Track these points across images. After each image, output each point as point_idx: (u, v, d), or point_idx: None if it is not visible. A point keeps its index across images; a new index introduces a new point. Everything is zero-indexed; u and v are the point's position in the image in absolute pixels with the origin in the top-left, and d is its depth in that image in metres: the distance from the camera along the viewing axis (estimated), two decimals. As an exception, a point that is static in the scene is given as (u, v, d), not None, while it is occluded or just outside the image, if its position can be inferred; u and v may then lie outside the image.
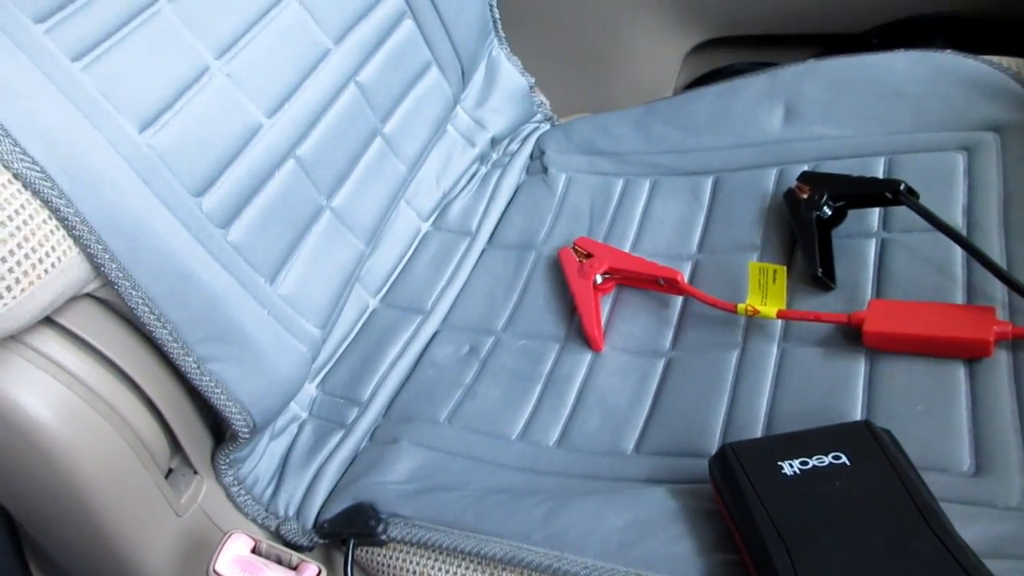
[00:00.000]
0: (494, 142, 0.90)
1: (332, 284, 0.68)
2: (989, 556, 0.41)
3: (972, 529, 0.43)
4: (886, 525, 0.42)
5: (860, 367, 0.57)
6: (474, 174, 0.88)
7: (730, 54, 1.08)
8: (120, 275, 0.49)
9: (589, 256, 0.73)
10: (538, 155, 0.89)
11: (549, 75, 0.99)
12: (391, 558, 0.57)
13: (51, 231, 0.47)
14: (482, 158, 0.89)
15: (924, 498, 0.44)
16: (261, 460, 0.64)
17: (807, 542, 0.42)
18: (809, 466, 0.47)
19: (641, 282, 0.71)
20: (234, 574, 0.49)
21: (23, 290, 0.45)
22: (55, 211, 0.47)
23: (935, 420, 0.52)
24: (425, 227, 0.84)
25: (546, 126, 0.95)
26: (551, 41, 1.07)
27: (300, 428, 0.68)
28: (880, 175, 0.70)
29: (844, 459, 0.47)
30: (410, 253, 0.81)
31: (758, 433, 0.56)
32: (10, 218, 0.45)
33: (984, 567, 0.40)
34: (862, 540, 0.42)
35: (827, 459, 0.47)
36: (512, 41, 0.94)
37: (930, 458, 0.50)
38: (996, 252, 0.61)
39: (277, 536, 0.62)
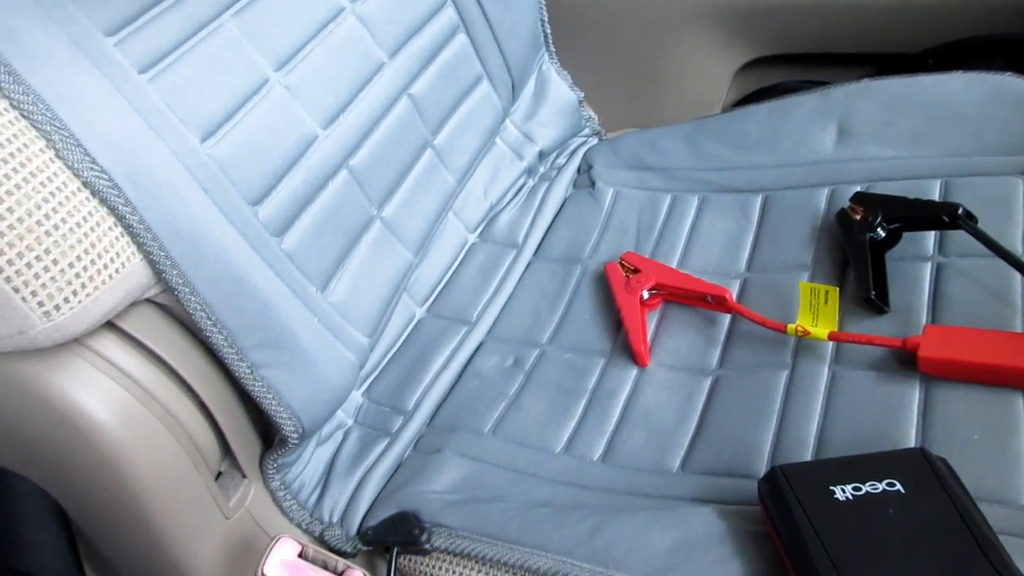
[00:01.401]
0: (542, 155, 0.91)
1: (381, 293, 0.69)
2: (1049, 592, 0.40)
3: (1031, 563, 0.42)
4: (942, 556, 0.42)
5: (915, 393, 0.56)
6: (521, 187, 0.89)
7: (780, 72, 1.07)
8: (180, 281, 0.51)
9: (636, 271, 0.73)
10: (585, 169, 0.90)
11: (598, 90, 0.99)
12: (434, 567, 0.57)
13: (116, 238, 0.48)
14: (530, 171, 0.90)
15: (982, 529, 0.43)
16: (307, 466, 0.65)
17: (860, 569, 0.42)
18: (862, 492, 0.46)
19: (688, 299, 0.71)
20: (282, 578, 0.49)
21: (89, 295, 0.46)
22: (120, 218, 0.48)
23: (993, 450, 0.51)
24: (472, 238, 0.84)
25: (594, 140, 0.95)
26: (600, 56, 1.08)
27: (346, 435, 0.68)
28: (936, 198, 0.69)
29: (899, 486, 0.46)
30: (457, 264, 0.82)
31: (807, 456, 0.56)
32: (78, 224, 0.46)
33: (1045, 603, 0.39)
34: (917, 570, 0.41)
35: (881, 486, 0.46)
36: (562, 56, 0.94)
37: (987, 489, 0.49)
38: (1057, 279, 0.59)
39: (321, 541, 0.62)
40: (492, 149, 0.87)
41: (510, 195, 0.88)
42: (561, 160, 0.92)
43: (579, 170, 0.91)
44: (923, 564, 0.42)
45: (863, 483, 0.46)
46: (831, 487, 0.47)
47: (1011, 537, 0.45)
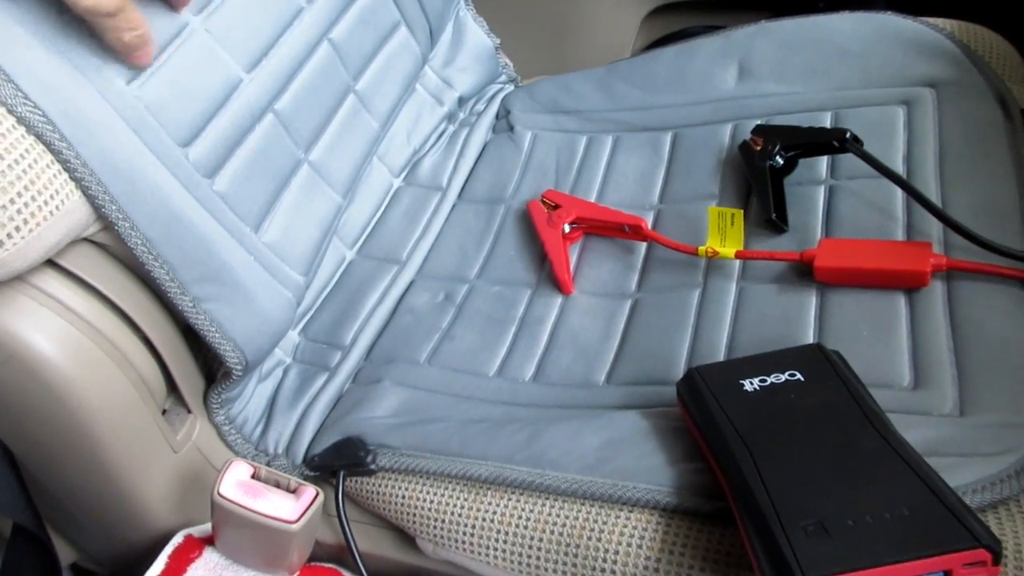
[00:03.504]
0: (461, 101, 0.93)
1: (312, 234, 0.71)
2: (926, 455, 0.46)
3: (912, 433, 0.48)
4: (837, 428, 0.47)
5: (812, 299, 0.62)
6: (443, 132, 0.91)
7: (685, 18, 1.12)
8: (120, 216, 0.52)
9: (557, 207, 0.77)
10: (504, 115, 0.93)
11: (511, 38, 1.02)
12: (381, 486, 0.60)
13: (55, 175, 0.49)
14: (450, 117, 0.92)
15: (870, 405, 0.49)
16: (250, 401, 0.66)
17: (768, 444, 0.47)
18: (768, 383, 0.51)
19: (607, 230, 0.75)
20: (237, 497, 0.52)
21: (31, 231, 0.47)
22: (57, 154, 0.49)
23: (879, 343, 0.58)
24: (397, 182, 0.86)
25: (510, 87, 0.98)
26: (512, 5, 1.10)
27: (285, 372, 0.70)
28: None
29: (799, 376, 0.51)
30: (383, 207, 0.84)
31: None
32: (16, 161, 0.47)
33: (921, 459, 0.45)
34: (816, 441, 0.47)
35: (784, 376, 0.52)
36: (477, 4, 0.96)
37: (875, 375, 0.55)
38: (933, 195, 0.66)
39: (268, 473, 0.65)
40: (413, 95, 0.89)
41: (432, 140, 0.90)
42: (480, 106, 0.94)
43: (497, 116, 0.94)
44: (820, 435, 0.47)
45: (768, 375, 0.52)
46: (741, 381, 0.52)
47: (895, 414, 0.50)
